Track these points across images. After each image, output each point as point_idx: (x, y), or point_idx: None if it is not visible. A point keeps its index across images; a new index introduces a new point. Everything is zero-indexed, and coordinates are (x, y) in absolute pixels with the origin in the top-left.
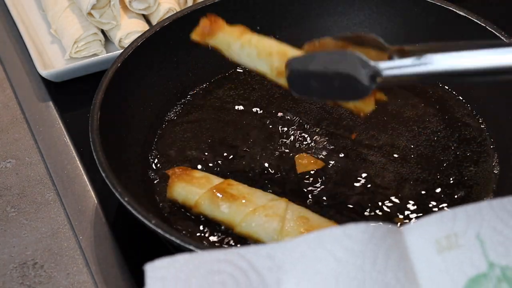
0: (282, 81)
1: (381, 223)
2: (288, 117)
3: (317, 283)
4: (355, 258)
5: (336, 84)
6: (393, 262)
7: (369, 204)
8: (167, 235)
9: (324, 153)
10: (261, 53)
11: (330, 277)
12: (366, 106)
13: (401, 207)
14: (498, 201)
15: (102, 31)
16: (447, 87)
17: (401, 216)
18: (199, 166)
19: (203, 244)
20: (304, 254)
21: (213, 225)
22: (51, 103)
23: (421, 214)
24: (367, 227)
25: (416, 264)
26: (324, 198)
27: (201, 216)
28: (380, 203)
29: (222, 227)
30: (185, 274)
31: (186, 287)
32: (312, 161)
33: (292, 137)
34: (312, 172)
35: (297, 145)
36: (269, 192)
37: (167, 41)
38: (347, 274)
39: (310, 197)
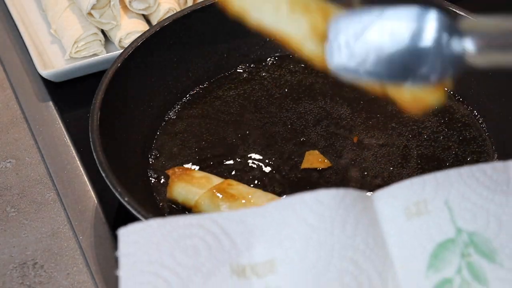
0: (318, 49)
1: (351, 189)
2: (288, 117)
3: (287, 247)
4: (324, 223)
5: (402, 58)
6: (362, 227)
7: None
8: None
9: (324, 153)
10: (295, 7)
11: (300, 242)
12: (431, 96)
13: None
14: (467, 169)
15: (102, 31)
16: (445, 89)
17: None
18: (199, 166)
19: None
20: (275, 219)
21: None
22: (51, 103)
23: None
24: (338, 193)
25: (385, 230)
26: None
27: None
28: None
29: None
30: (158, 238)
31: (158, 251)
32: (319, 160)
33: (292, 137)
34: (312, 171)
35: (297, 145)
36: (269, 192)
37: (167, 41)
38: (317, 238)
39: None
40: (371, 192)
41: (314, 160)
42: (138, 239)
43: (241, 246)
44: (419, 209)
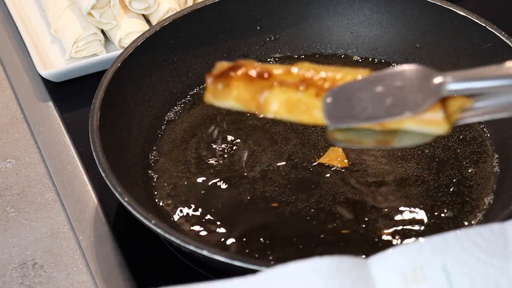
0: (316, 108)
1: (346, 256)
2: None
3: None
4: None
5: (389, 99)
6: None
7: (369, 205)
8: (167, 235)
9: (323, 153)
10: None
11: None
12: (436, 124)
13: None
14: (463, 232)
15: (102, 31)
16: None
17: (399, 219)
18: (199, 166)
19: (203, 245)
20: None
21: (213, 226)
22: (51, 103)
23: (420, 217)
24: (332, 261)
25: None
26: (324, 197)
27: (202, 217)
28: (380, 204)
29: (222, 229)
30: None
31: None
32: (339, 158)
33: (292, 137)
34: (313, 171)
35: (297, 145)
36: (269, 191)
37: (167, 41)
38: None
39: (310, 195)
40: (372, 195)
41: (333, 157)
42: None
43: None
44: (416, 275)
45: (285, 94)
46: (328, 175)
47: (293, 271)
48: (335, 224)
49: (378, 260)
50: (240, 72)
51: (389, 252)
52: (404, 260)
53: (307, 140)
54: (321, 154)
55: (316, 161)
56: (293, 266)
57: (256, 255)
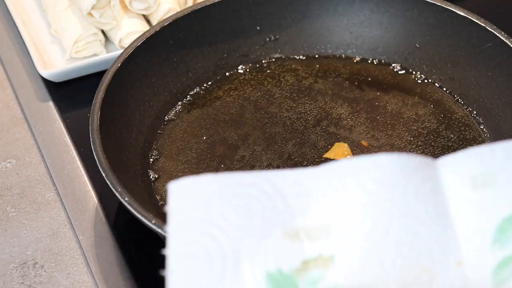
0: None
1: (414, 155)
2: (288, 117)
3: (343, 212)
4: (384, 189)
5: None
6: (423, 195)
7: None
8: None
9: (323, 153)
10: None
11: (357, 208)
12: None
13: None
14: None
15: (102, 31)
16: (445, 89)
17: None
18: (199, 166)
19: None
20: (332, 183)
21: None
22: (51, 103)
23: None
24: (399, 158)
25: (449, 200)
26: None
27: None
28: None
29: None
30: (209, 194)
31: (209, 209)
32: (345, 153)
33: (292, 137)
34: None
35: (297, 145)
36: None
37: (167, 41)
38: (375, 205)
39: None
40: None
41: (339, 152)
42: (188, 195)
43: (295, 209)
44: (486, 180)
45: None
46: None
47: (358, 166)
48: None
49: (448, 162)
50: None
51: (460, 154)
52: (475, 163)
53: (307, 140)
54: (321, 153)
55: (318, 159)
56: (358, 161)
57: None
